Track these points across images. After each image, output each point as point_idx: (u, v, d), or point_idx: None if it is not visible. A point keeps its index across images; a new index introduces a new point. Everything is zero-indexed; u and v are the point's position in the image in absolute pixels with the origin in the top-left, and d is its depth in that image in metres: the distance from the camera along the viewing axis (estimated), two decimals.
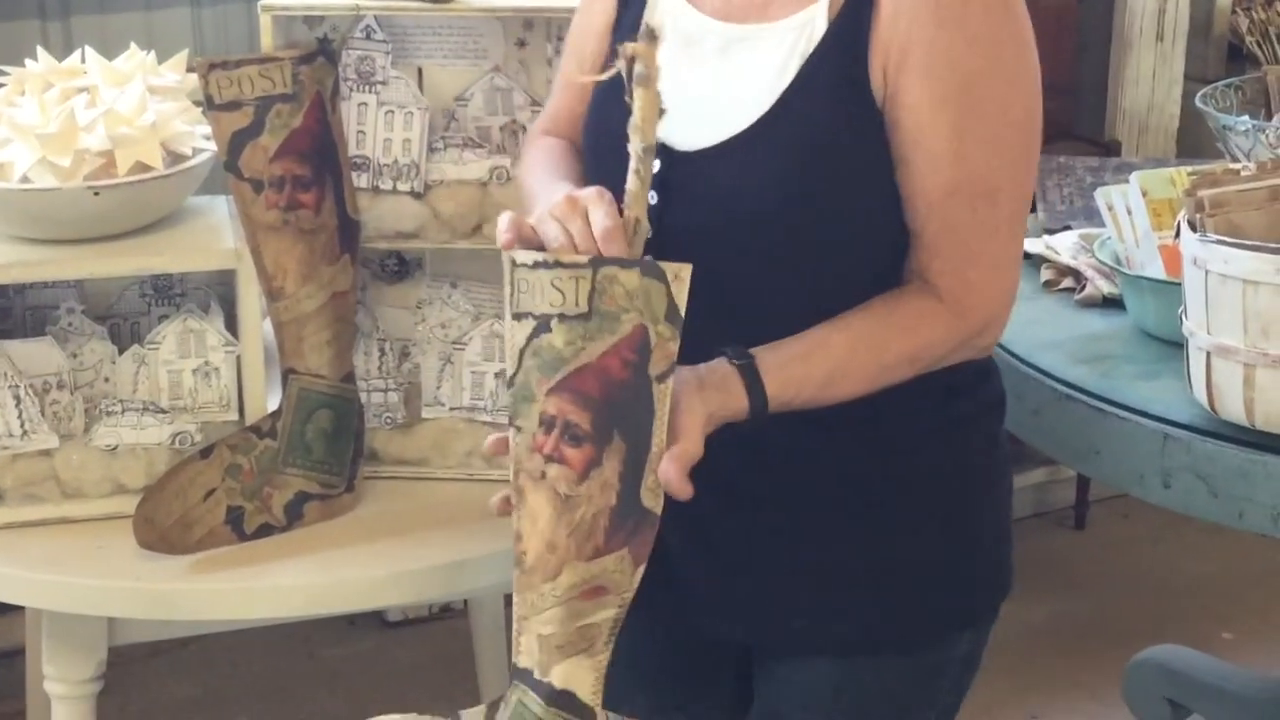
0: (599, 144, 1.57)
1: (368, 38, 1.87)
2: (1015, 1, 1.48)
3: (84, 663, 1.87)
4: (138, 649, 2.67)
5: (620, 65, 1.36)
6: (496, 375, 1.91)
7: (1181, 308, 1.78)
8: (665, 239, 1.47)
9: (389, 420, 1.94)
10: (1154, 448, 1.78)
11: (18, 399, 1.81)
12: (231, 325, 1.88)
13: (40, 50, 1.97)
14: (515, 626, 1.41)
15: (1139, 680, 2.43)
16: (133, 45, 1.99)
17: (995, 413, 1.63)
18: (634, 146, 1.36)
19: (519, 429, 1.40)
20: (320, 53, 1.82)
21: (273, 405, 1.90)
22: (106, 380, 1.88)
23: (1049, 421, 1.91)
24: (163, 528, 1.79)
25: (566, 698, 1.39)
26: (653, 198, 1.49)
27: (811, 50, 1.48)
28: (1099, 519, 3.43)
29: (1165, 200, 2.03)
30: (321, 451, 1.85)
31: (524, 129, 1.90)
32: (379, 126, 1.88)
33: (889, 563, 1.57)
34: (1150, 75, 3.35)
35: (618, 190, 1.40)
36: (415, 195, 1.88)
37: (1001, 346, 1.93)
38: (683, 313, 1.35)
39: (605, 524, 1.37)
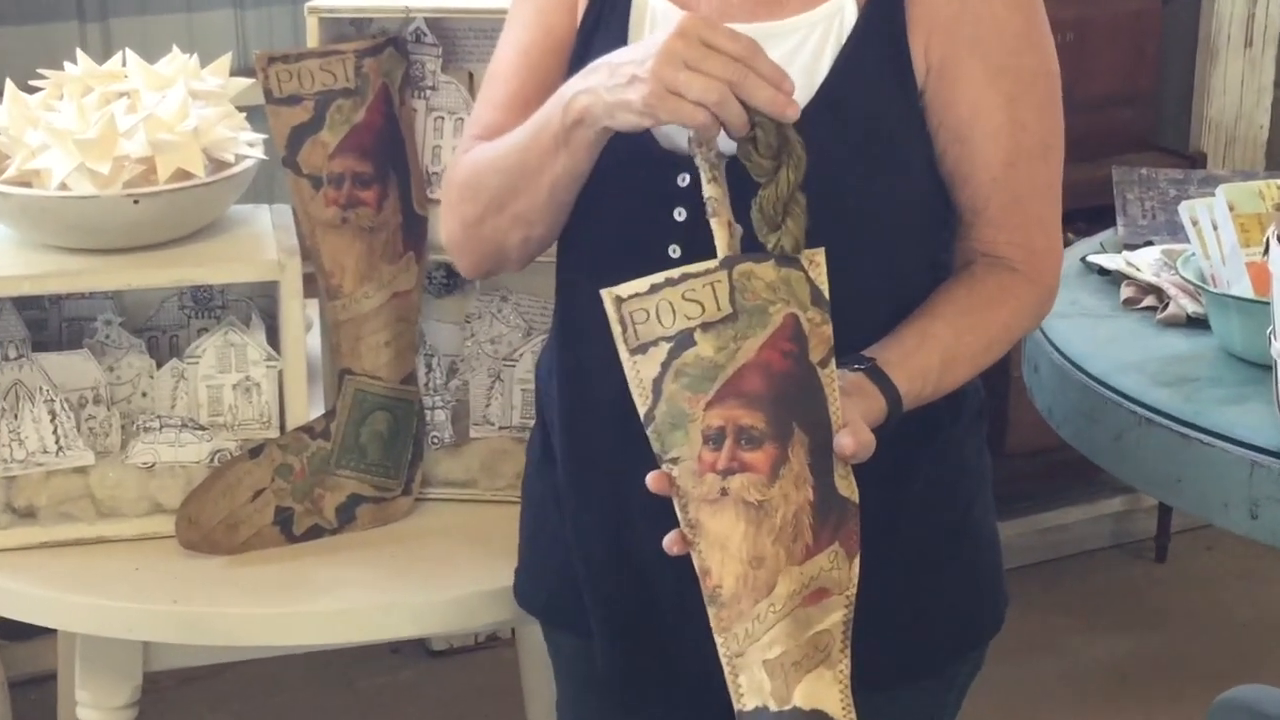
0: (618, 153, 1.50)
1: (418, 41, 1.86)
2: None
3: (118, 689, 1.87)
4: (171, 675, 2.71)
5: None
6: None
7: (1270, 328, 1.75)
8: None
9: (435, 440, 1.93)
10: (1240, 475, 1.74)
11: (53, 414, 1.81)
12: (273, 339, 1.88)
13: (79, 53, 1.97)
14: (728, 669, 1.33)
15: None
16: (174, 48, 1.99)
17: (975, 426, 1.62)
18: (706, 157, 1.36)
19: (675, 460, 1.34)
20: (389, 43, 1.81)
21: (319, 411, 1.89)
22: (144, 395, 1.88)
23: (1129, 447, 1.87)
24: (207, 528, 1.79)
25: (818, 718, 1.31)
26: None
27: (846, 39, 1.47)
28: (1181, 551, 3.40)
29: (1253, 215, 2.00)
30: (377, 454, 1.86)
31: None
32: (428, 133, 1.87)
33: (884, 596, 1.49)
34: (1238, 83, 3.35)
35: (649, 196, 1.45)
36: None
37: (1078, 367, 1.92)
38: (827, 295, 1.36)
39: (810, 521, 1.33)
